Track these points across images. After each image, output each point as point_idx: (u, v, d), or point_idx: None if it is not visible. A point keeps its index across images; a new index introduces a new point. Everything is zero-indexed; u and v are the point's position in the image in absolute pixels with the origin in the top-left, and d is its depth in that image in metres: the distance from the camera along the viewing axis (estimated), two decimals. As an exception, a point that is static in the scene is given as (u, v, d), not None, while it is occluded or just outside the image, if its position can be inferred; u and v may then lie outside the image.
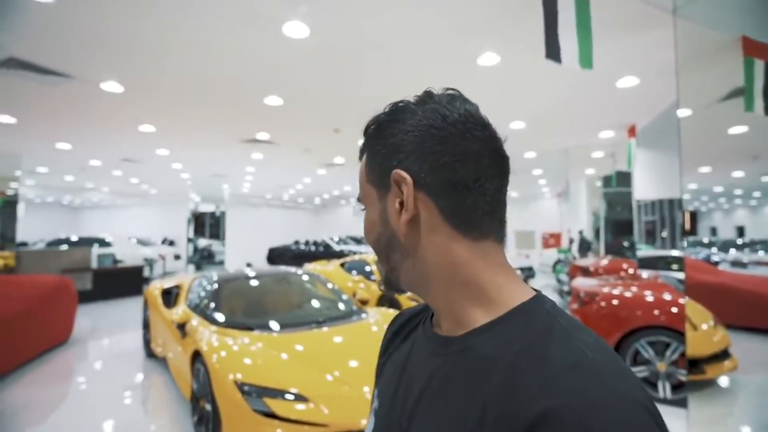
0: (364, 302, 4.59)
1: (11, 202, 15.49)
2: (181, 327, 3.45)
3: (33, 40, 3.34)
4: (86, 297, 7.72)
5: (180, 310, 3.80)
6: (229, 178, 11.88)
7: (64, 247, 10.53)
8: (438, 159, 0.48)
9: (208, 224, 23.19)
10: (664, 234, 9.29)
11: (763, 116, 3.10)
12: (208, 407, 2.73)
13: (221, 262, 15.83)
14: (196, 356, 3.05)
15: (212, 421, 2.66)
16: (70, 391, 3.97)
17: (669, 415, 3.28)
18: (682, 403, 3.30)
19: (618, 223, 12.19)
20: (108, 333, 6.02)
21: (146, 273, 10.61)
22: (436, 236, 0.49)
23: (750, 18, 2.85)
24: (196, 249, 16.84)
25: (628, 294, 4.55)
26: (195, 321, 3.44)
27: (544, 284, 10.97)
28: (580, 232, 10.66)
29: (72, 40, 3.34)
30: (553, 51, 2.12)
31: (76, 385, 4.16)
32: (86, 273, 8.28)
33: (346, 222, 21.23)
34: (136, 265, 9.84)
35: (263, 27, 3.08)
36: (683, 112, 4.82)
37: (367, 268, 6.57)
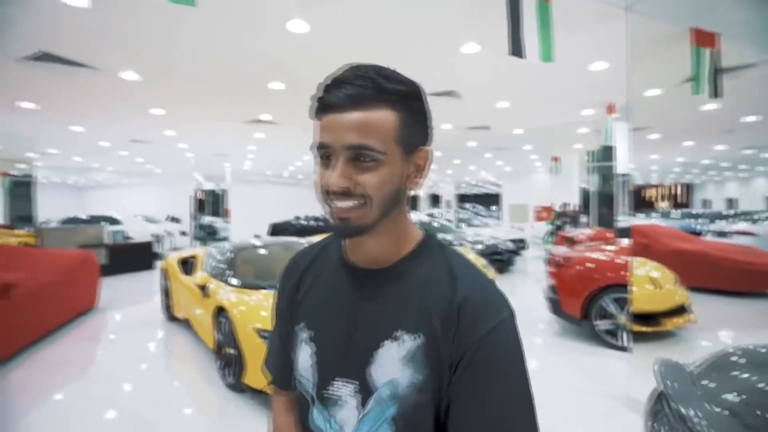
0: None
1: (23, 183, 15.83)
2: (203, 288, 3.98)
3: (62, 36, 3.72)
4: (102, 271, 8.20)
5: (200, 275, 4.32)
6: (231, 157, 12.27)
7: (72, 225, 10.98)
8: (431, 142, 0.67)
9: (209, 202, 23.57)
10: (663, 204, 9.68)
11: (731, 94, 3.50)
12: (232, 352, 3.27)
13: (224, 238, 16.33)
14: (219, 312, 3.58)
15: (236, 362, 3.21)
16: (104, 349, 4.53)
17: (617, 358, 3.85)
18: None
19: (608, 196, 12.64)
20: (128, 302, 6.56)
21: (155, 248, 11.08)
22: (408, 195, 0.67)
23: (698, 11, 3.23)
24: (200, 226, 17.38)
25: (601, 257, 5.06)
26: (213, 284, 3.97)
27: (537, 255, 11.45)
28: (562, 205, 11.14)
29: (97, 35, 3.72)
30: (516, 48, 2.53)
31: (108, 343, 4.72)
32: (101, 248, 8.76)
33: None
34: (146, 241, 10.28)
35: (269, 23, 3.47)
36: (652, 92, 5.22)
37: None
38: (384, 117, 0.58)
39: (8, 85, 5.10)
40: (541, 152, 11.63)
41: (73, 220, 11.87)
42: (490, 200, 27.87)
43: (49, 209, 17.27)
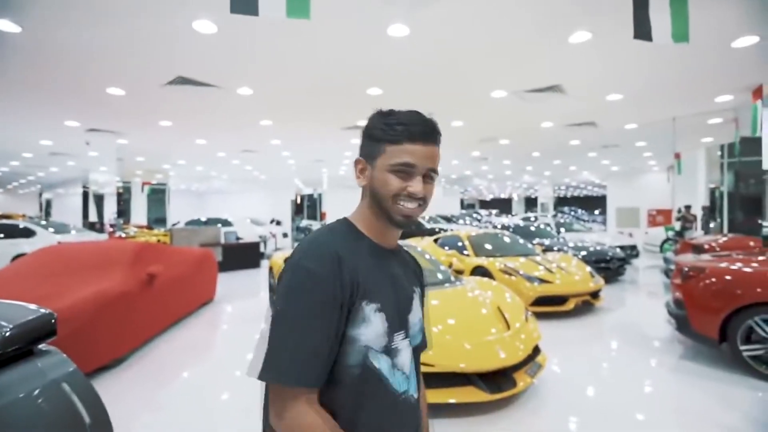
0: (459, 272, 4.98)
1: (158, 190, 18.46)
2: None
3: (193, 61, 4.25)
4: (218, 267, 9.15)
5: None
6: (327, 163, 12.95)
7: (195, 226, 12.50)
8: None
9: (305, 206, 25.25)
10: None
11: None
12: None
13: (321, 241, 17.24)
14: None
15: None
16: (220, 337, 5.05)
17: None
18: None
19: (748, 198, 10.72)
20: (239, 296, 7.25)
21: (261, 248, 12.06)
22: None
23: None
24: (298, 228, 18.68)
25: (745, 269, 4.26)
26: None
27: (650, 264, 10.21)
28: (686, 207, 9.69)
29: (220, 57, 4.18)
30: (642, 30, 2.24)
31: (223, 333, 5.25)
32: (218, 247, 9.83)
33: (437, 201, 21.57)
34: (253, 242, 11.27)
35: (371, 30, 3.56)
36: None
37: (459, 243, 6.92)
38: (438, 152, 0.88)
39: (154, 107, 6.02)
40: (657, 149, 10.30)
41: (195, 222, 13.54)
42: (592, 203, 25.60)
43: (177, 212, 20.07)
